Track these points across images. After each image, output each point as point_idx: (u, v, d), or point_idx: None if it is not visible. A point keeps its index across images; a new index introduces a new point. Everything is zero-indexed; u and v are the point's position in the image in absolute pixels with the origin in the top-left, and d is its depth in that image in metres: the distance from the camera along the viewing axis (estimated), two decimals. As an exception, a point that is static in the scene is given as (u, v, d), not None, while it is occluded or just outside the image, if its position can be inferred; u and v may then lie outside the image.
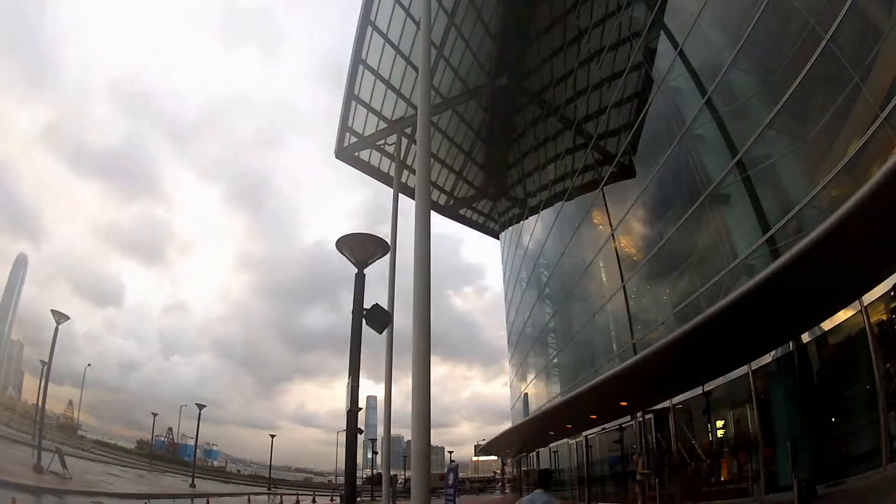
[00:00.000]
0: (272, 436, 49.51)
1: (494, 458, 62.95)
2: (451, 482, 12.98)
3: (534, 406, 29.82)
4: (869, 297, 7.89)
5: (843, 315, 8.57)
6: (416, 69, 18.90)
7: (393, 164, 22.16)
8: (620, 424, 18.91)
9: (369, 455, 54.35)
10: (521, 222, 31.60)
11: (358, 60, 19.09)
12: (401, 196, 19.95)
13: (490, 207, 36.30)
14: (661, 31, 13.71)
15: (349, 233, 6.44)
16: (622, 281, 16.76)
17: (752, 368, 11.39)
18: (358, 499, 26.27)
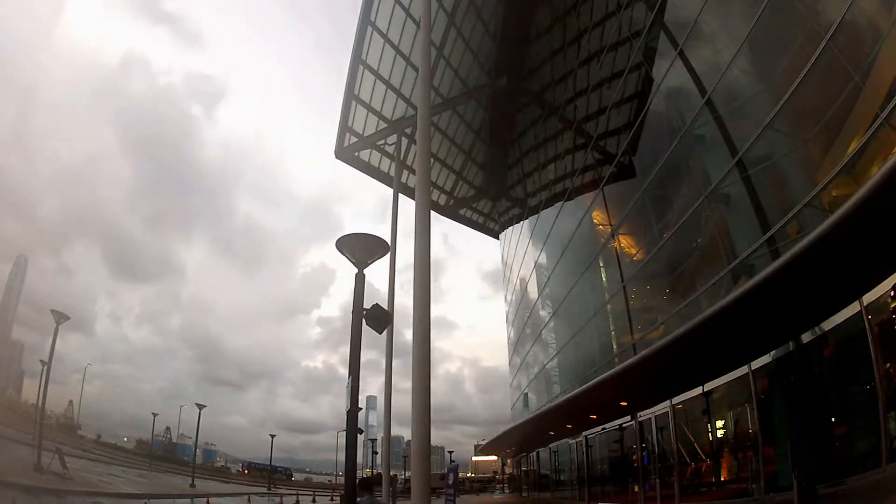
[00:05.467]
0: (272, 436, 49.63)
1: (494, 458, 63.00)
2: (451, 482, 12.99)
3: (534, 406, 29.83)
4: (869, 297, 7.88)
5: (843, 315, 8.56)
6: (416, 69, 18.91)
7: (393, 164, 22.19)
8: (620, 424, 18.91)
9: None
10: (521, 222, 31.60)
11: (358, 60, 19.09)
12: (401, 196, 20.02)
13: (490, 207, 36.30)
14: (661, 31, 13.71)
15: (349, 233, 6.44)
16: (622, 281, 16.76)
17: (752, 368, 11.39)
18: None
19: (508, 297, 39.86)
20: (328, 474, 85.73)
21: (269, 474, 52.79)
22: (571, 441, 25.49)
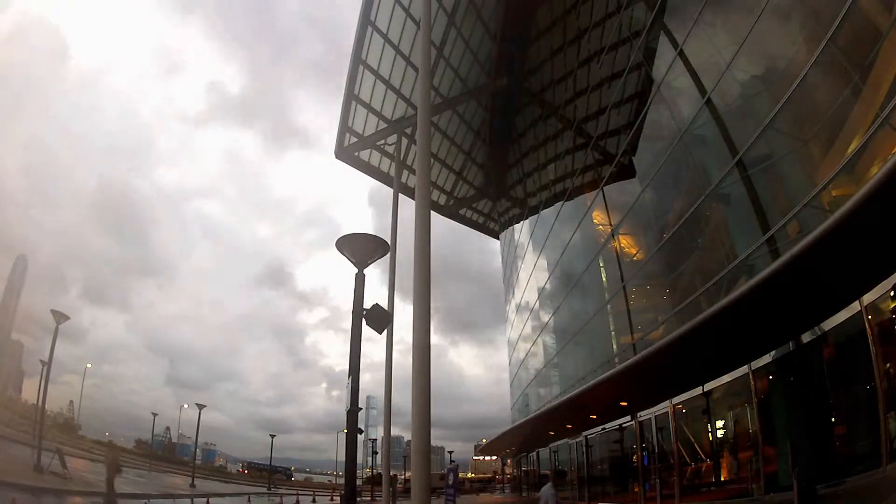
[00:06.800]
0: (272, 436, 49.66)
1: (494, 458, 63.00)
2: (450, 482, 12.99)
3: (534, 406, 29.83)
4: (869, 297, 7.88)
5: (843, 315, 8.57)
6: (416, 69, 18.90)
7: (393, 164, 22.18)
8: (620, 424, 18.92)
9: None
10: (522, 222, 31.61)
11: (358, 60, 19.07)
12: (401, 196, 20.00)
13: (490, 207, 36.30)
14: (661, 31, 13.71)
15: (349, 233, 6.45)
16: (622, 281, 16.76)
17: (752, 368, 11.39)
18: (358, 499, 26.23)
19: (508, 297, 39.87)
20: (329, 474, 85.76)
21: (269, 474, 52.83)
22: (571, 441, 25.50)
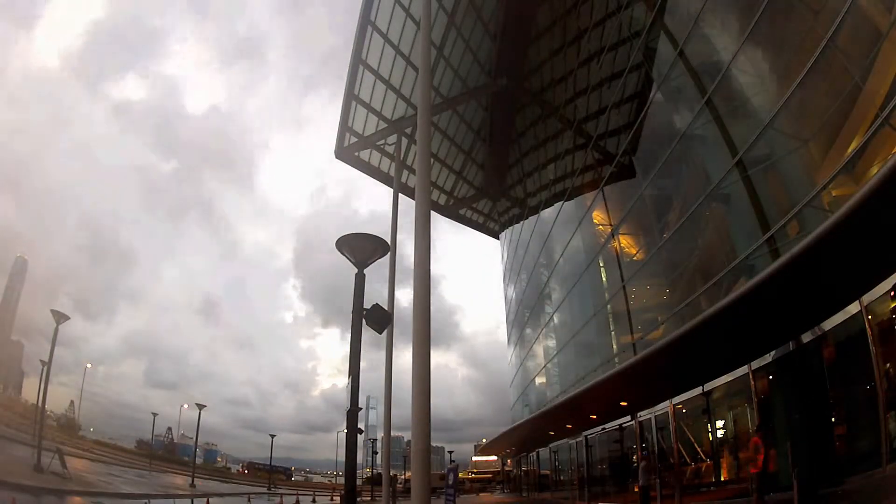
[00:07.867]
0: (272, 436, 49.65)
1: (494, 458, 62.98)
2: (450, 482, 12.95)
3: (534, 406, 29.83)
4: (869, 297, 7.89)
5: (843, 315, 8.57)
6: (416, 69, 18.89)
7: (393, 164, 22.17)
8: (620, 424, 18.91)
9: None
10: (521, 222, 31.61)
11: (358, 60, 19.07)
12: (401, 196, 19.99)
13: (490, 207, 36.29)
14: (661, 31, 13.71)
15: (348, 233, 6.43)
16: (622, 281, 16.76)
17: (752, 368, 11.39)
18: (358, 499, 26.24)
19: (509, 297, 39.86)
20: (328, 474, 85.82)
21: (269, 474, 52.82)
22: (571, 441, 25.50)
